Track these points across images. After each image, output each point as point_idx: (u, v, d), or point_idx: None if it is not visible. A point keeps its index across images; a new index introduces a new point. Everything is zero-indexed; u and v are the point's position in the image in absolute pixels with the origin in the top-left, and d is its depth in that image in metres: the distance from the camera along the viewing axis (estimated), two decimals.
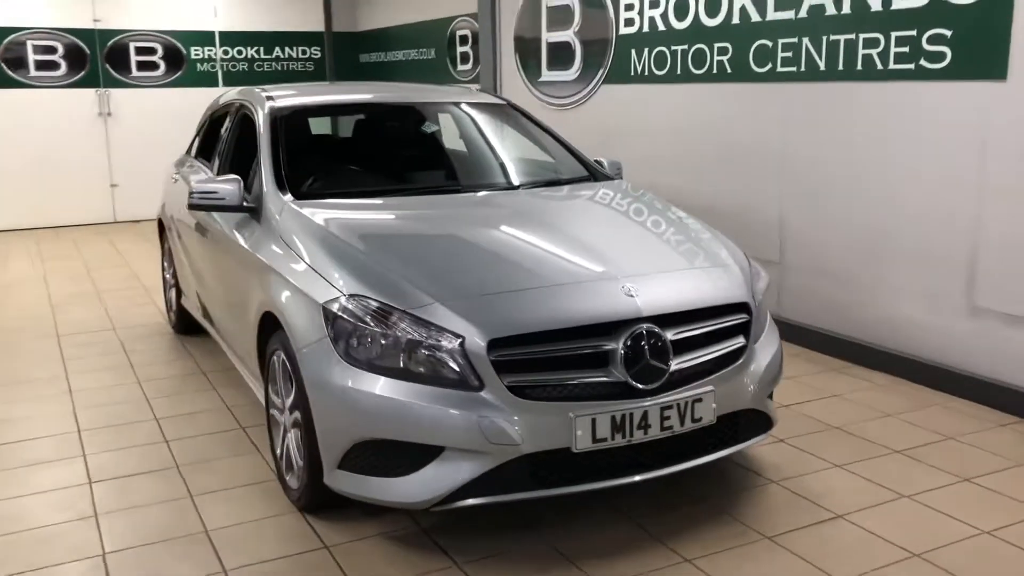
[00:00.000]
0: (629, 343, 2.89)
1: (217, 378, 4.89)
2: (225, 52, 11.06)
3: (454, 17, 9.31)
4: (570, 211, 3.76)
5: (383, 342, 2.87)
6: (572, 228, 3.53)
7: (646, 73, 6.39)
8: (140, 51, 10.67)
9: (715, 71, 5.76)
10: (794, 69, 5.18)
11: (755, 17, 5.40)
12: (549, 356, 2.86)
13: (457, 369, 2.80)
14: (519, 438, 2.78)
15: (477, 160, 4.47)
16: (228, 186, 3.81)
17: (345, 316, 2.94)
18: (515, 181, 4.25)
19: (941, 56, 4.35)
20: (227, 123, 4.76)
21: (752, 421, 3.23)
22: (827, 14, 4.92)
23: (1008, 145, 4.13)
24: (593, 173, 4.36)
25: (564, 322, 2.88)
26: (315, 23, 11.54)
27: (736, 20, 5.55)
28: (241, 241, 3.81)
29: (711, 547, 3.03)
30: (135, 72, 10.64)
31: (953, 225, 4.41)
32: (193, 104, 10.88)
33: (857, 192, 4.88)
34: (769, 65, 5.34)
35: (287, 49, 11.42)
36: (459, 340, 2.80)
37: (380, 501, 2.94)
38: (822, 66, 4.99)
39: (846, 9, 4.81)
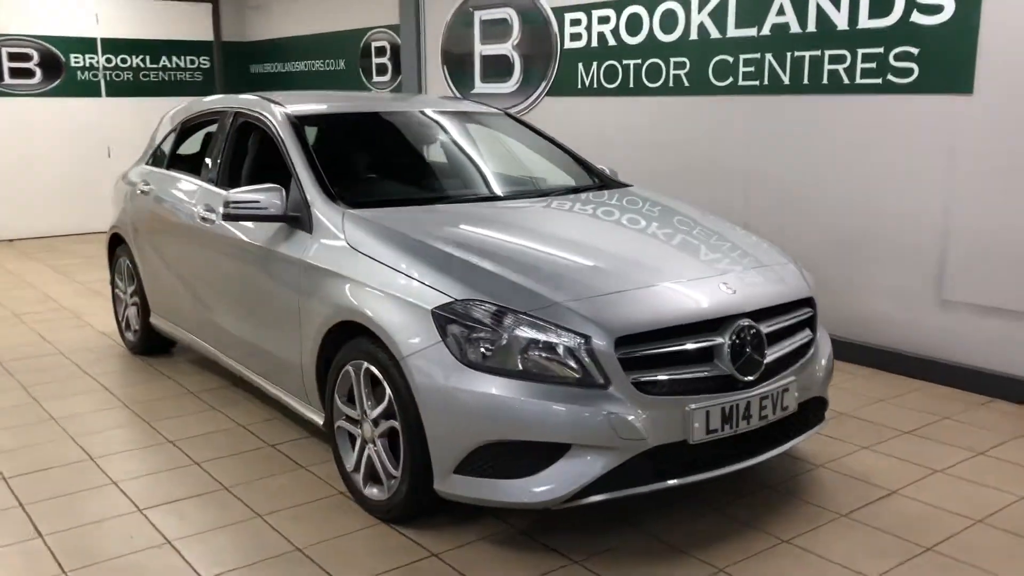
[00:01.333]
0: (734, 337, 3.04)
1: (213, 398, 4.69)
2: (108, 60, 10.48)
3: (369, 29, 9.24)
4: (625, 215, 3.87)
5: (504, 344, 2.90)
6: (640, 231, 3.66)
7: (595, 86, 6.61)
8: (13, 57, 9.95)
9: (672, 84, 6.05)
10: (757, 83, 5.52)
11: (715, 34, 5.72)
12: (666, 352, 2.97)
13: (583, 367, 2.87)
14: (646, 433, 2.88)
15: (503, 168, 4.51)
16: (270, 195, 3.70)
17: (462, 320, 2.95)
18: (544, 188, 4.32)
19: (908, 72, 4.78)
20: (221, 132, 4.58)
21: (815, 409, 3.46)
22: (791, 32, 5.28)
23: (975, 152, 4.59)
24: (605, 180, 4.50)
25: (680, 319, 3.01)
26: (204, 32, 11.13)
27: (694, 36, 5.85)
28: (287, 252, 3.70)
29: (798, 527, 3.23)
30: (7, 79, 9.92)
31: (922, 227, 4.85)
32: (74, 114, 10.30)
33: (826, 200, 5.26)
34: (730, 79, 5.66)
35: (174, 58, 10.95)
36: (585, 339, 2.87)
37: (502, 503, 2.96)
38: (786, 80, 5.36)
39: (811, 27, 5.19)
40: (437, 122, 4.62)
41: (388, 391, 3.14)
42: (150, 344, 5.40)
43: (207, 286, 4.46)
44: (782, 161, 5.46)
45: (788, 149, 5.42)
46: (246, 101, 4.49)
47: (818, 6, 5.12)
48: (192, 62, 11.10)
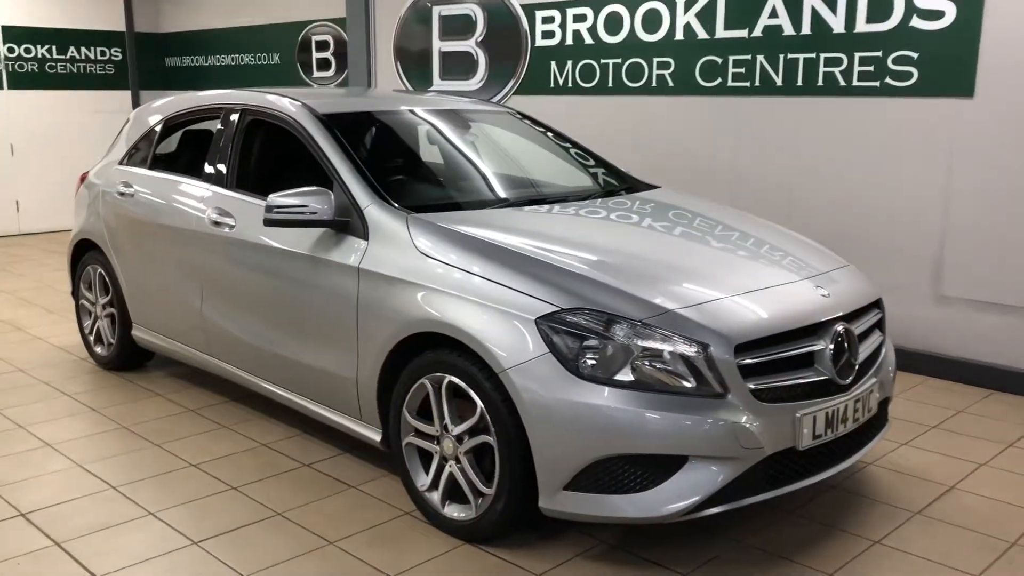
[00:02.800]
0: (834, 341, 3.03)
1: (219, 415, 4.38)
2: (11, 50, 9.72)
3: (308, 22, 8.89)
4: (681, 218, 3.81)
5: (617, 354, 2.80)
6: (709, 235, 3.60)
7: (570, 85, 6.54)
8: None
9: (655, 84, 6.04)
10: (747, 84, 5.57)
11: (702, 35, 5.75)
12: (776, 358, 2.93)
13: (700, 376, 2.80)
14: (764, 441, 2.84)
15: (540, 170, 4.37)
16: (318, 199, 3.47)
17: (571, 330, 2.83)
18: (584, 190, 4.22)
19: (907, 75, 4.92)
20: (227, 131, 4.28)
21: (883, 409, 3.50)
22: (785, 34, 5.35)
23: (974, 154, 4.76)
24: (632, 181, 4.44)
25: (792, 323, 2.98)
26: (115, 22, 10.47)
27: (680, 36, 5.86)
28: (337, 259, 3.48)
29: (882, 527, 3.26)
30: None
31: (920, 226, 5.00)
32: None
33: (820, 201, 5.36)
34: (719, 80, 5.70)
35: (83, 49, 10.25)
36: (703, 347, 2.80)
37: (616, 519, 2.85)
38: (779, 81, 5.43)
39: (805, 30, 5.27)
40: (466, 122, 4.46)
41: (480, 406, 2.99)
42: (127, 359, 5.01)
43: (220, 296, 4.16)
44: (773, 163, 5.53)
45: (780, 150, 5.49)
46: (258, 98, 4.20)
47: (813, 9, 5.20)
48: (103, 53, 10.43)
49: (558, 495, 2.88)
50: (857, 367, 3.13)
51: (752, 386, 2.84)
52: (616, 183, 4.36)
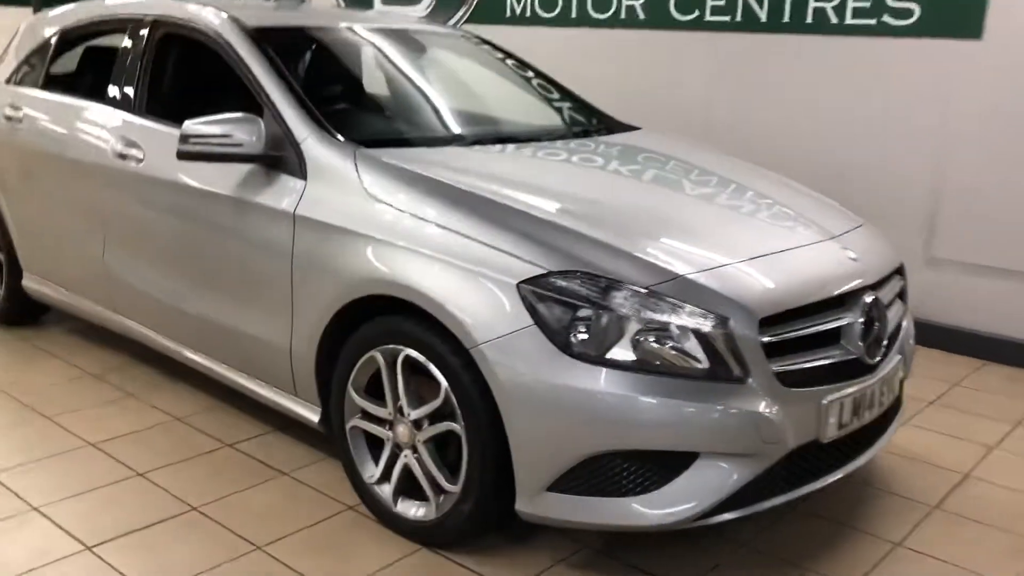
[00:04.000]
0: (865, 313, 2.57)
1: (124, 381, 3.76)
2: None
3: None
4: (677, 164, 3.26)
5: (615, 328, 2.28)
6: (711, 183, 3.08)
7: (528, 15, 5.93)
8: None
9: (624, 16, 5.47)
10: (728, 19, 5.05)
11: None
12: (801, 335, 2.45)
13: (715, 356, 2.29)
14: (788, 434, 2.37)
15: (504, 103, 3.79)
16: (246, 128, 2.84)
17: (562, 298, 2.29)
18: (559, 129, 3.65)
19: (908, 13, 4.44)
20: (135, 47, 3.58)
21: (900, 390, 3.06)
22: None
23: (977, 102, 4.33)
24: (608, 122, 3.89)
25: (821, 292, 2.50)
26: None
27: None
28: (268, 203, 2.87)
29: (900, 526, 2.85)
30: None
31: (913, 180, 4.57)
32: None
33: (807, 149, 4.89)
34: (696, 13, 5.16)
35: None
36: (722, 321, 2.30)
37: (610, 526, 2.37)
38: (763, 17, 4.91)
39: None
40: (419, 45, 3.83)
41: (444, 386, 2.45)
42: (16, 312, 4.33)
43: (126, 243, 3.51)
44: (753, 107, 5.04)
45: (762, 94, 5.00)
46: (174, 8, 3.51)
47: None
48: None
49: (540, 497, 2.37)
50: (885, 344, 2.68)
51: (776, 368, 2.35)
52: (590, 122, 3.81)
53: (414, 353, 2.51)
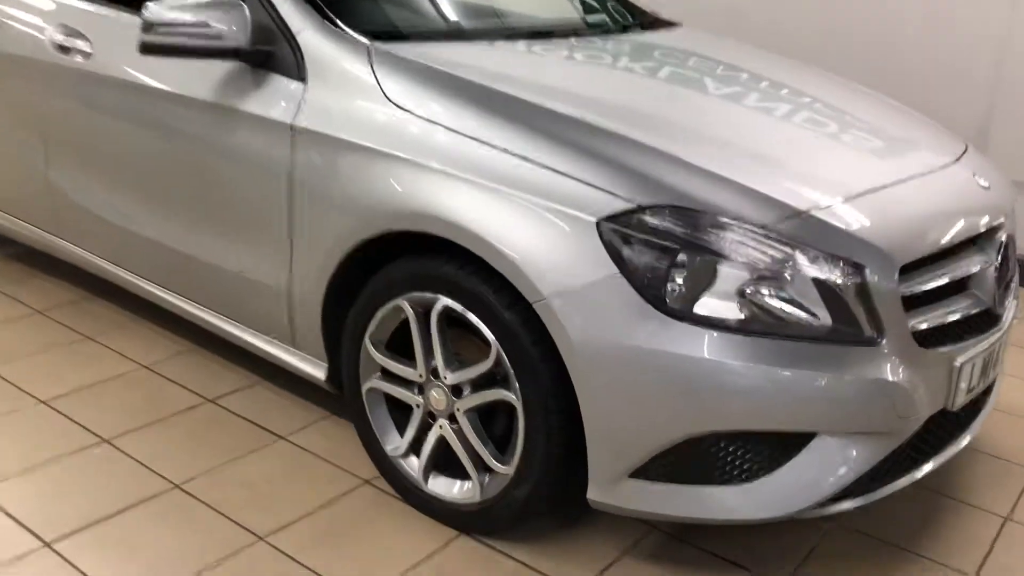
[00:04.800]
0: (1000, 255, 2.12)
1: (75, 319, 3.20)
2: None
3: None
4: (754, 77, 2.70)
5: (722, 279, 1.80)
6: (797, 101, 2.54)
7: None
8: None
9: None
10: None
11: None
12: (937, 285, 1.99)
13: (843, 313, 1.82)
14: (923, 406, 1.93)
15: None
16: (226, 15, 2.24)
17: (656, 240, 1.79)
18: (595, 22, 3.08)
19: None
20: None
21: None
22: None
23: None
24: (643, 16, 3.31)
25: (964, 230, 2.04)
26: None
27: None
28: (257, 111, 2.30)
29: (1005, 495, 2.47)
30: None
31: (968, 80, 4.09)
32: None
33: (847, 40, 4.37)
34: None
35: None
36: (855, 269, 1.82)
37: (707, 520, 1.92)
38: None
39: None
40: None
41: (496, 347, 1.95)
42: None
43: (72, 156, 2.89)
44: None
45: None
46: None
47: None
48: None
49: (620, 485, 1.91)
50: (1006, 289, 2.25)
51: (914, 326, 1.90)
52: (626, 17, 3.23)
53: (454, 304, 2.00)
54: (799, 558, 2.16)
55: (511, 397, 1.97)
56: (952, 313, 2.01)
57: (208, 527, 2.14)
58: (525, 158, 1.92)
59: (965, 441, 2.18)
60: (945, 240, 1.97)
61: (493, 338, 1.96)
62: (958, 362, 2.00)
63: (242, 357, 2.85)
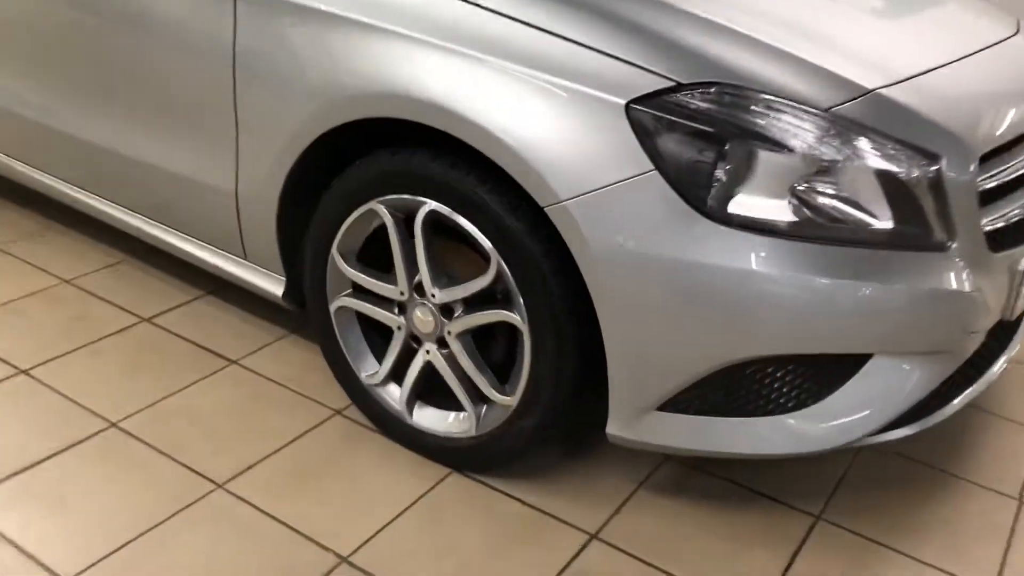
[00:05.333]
0: None
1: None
2: None
3: None
4: None
5: (781, 173, 1.49)
6: None
7: None
8: None
9: None
10: None
11: None
12: (1013, 175, 1.72)
13: (912, 211, 1.54)
14: (989, 318, 1.68)
15: None
16: None
17: (700, 125, 1.47)
18: None
19: None
20: None
21: None
22: None
23: None
24: None
25: None
26: None
27: None
28: None
29: None
30: None
31: None
32: None
33: None
34: None
35: None
36: (930, 160, 1.52)
37: (748, 455, 1.66)
38: None
39: None
40: None
41: (496, 259, 1.63)
42: None
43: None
44: None
45: None
46: None
47: None
48: None
49: (646, 418, 1.64)
50: None
51: (987, 225, 1.63)
52: None
53: (443, 208, 1.66)
54: (830, 486, 1.93)
55: (515, 319, 1.66)
56: (1016, 211, 1.73)
57: (154, 474, 1.82)
58: (534, 26, 1.56)
59: (1015, 350, 1.95)
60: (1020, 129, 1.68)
61: (492, 248, 1.63)
62: (1022, 265, 1.74)
63: (183, 268, 2.47)
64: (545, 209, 1.54)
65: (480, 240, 1.64)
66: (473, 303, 1.73)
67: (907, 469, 1.99)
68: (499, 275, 1.65)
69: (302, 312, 2.06)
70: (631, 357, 1.58)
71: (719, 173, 1.47)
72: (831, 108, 1.50)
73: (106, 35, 2.08)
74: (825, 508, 1.86)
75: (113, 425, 1.95)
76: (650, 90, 1.48)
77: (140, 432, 1.93)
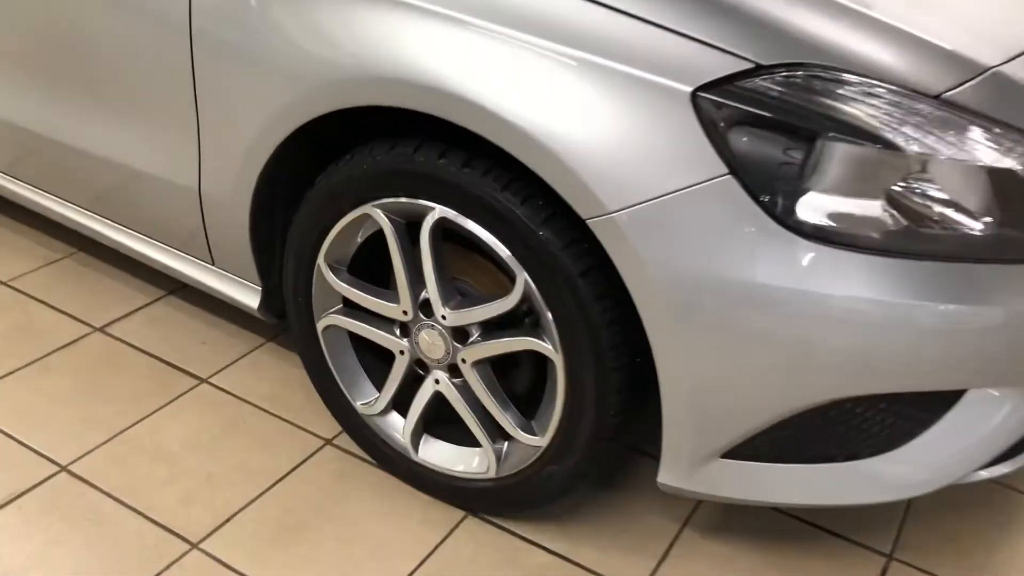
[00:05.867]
0: None
1: None
2: None
3: None
4: None
5: (879, 173, 1.20)
6: None
7: None
8: None
9: None
10: None
11: None
12: None
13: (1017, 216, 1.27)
14: None
15: None
16: None
17: (785, 118, 1.17)
18: None
19: None
20: None
21: None
22: None
23: None
24: None
25: None
26: None
27: None
28: None
29: None
30: None
31: None
32: None
33: None
34: None
35: None
36: None
37: (820, 505, 1.40)
38: None
39: None
40: None
41: (524, 279, 1.33)
42: None
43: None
44: None
45: None
46: None
47: None
48: None
49: (707, 467, 1.36)
50: None
51: None
52: None
53: (456, 216, 1.36)
54: (899, 517, 1.69)
55: (546, 347, 1.38)
56: None
57: (116, 531, 1.53)
58: (604, 3, 1.24)
59: None
60: None
61: (519, 266, 1.33)
62: None
63: (137, 264, 2.14)
64: (587, 221, 1.24)
65: (502, 255, 1.34)
66: (492, 326, 1.44)
67: (987, 491, 1.75)
68: (526, 295, 1.36)
69: (280, 322, 1.75)
70: (694, 398, 1.30)
71: (808, 177, 1.18)
72: (944, 92, 1.21)
73: (51, 6, 1.73)
74: (896, 546, 1.62)
75: (63, 469, 1.65)
76: (722, 74, 1.18)
77: (95, 478, 1.63)
